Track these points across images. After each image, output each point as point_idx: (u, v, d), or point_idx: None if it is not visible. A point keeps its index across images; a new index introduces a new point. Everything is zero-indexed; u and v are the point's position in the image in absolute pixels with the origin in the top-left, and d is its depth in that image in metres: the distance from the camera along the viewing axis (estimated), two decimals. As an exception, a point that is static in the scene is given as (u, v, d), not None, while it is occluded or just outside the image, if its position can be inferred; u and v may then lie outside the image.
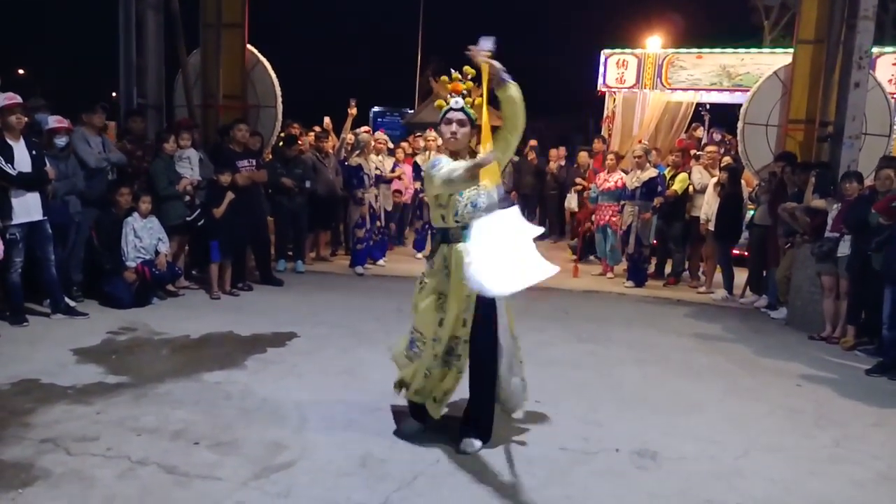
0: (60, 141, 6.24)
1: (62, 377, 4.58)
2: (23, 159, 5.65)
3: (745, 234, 8.29)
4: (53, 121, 6.30)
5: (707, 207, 8.16)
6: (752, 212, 8.12)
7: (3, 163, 5.53)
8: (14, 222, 5.63)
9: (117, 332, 5.69)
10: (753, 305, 7.80)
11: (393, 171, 9.49)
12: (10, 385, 4.40)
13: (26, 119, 5.82)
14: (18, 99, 5.75)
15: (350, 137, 8.98)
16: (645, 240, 8.45)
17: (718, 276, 8.31)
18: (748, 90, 9.14)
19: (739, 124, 8.40)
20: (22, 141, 5.70)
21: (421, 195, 9.56)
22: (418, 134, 11.78)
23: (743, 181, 8.28)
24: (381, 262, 9.08)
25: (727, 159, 8.63)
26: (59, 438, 3.65)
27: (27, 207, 5.70)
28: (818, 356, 5.99)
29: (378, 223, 8.91)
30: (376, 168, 8.86)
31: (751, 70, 11.09)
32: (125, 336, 5.62)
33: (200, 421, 3.97)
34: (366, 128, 9.76)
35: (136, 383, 4.54)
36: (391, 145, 10.03)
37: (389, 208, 9.45)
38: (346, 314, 6.63)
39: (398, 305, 6.84)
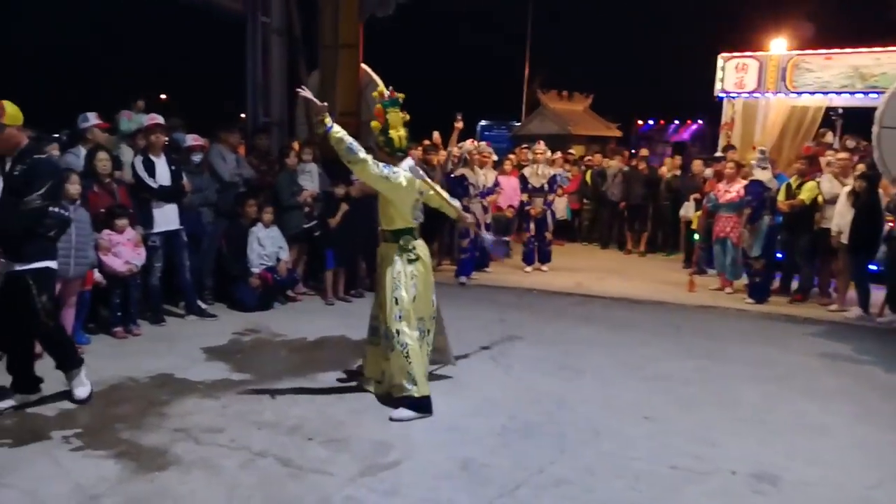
0: (196, 157, 6.76)
1: (194, 373, 4.97)
2: (163, 174, 6.15)
3: (882, 248, 7.65)
4: (190, 139, 6.85)
5: (839, 218, 7.61)
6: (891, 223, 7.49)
7: (147, 177, 6.06)
8: (155, 231, 6.14)
9: (242, 333, 6.07)
10: (893, 325, 7.18)
11: (495, 186, 9.42)
12: (149, 378, 4.82)
13: (166, 138, 6.34)
14: (159, 119, 6.31)
15: (457, 151, 9.13)
16: (749, 252, 7.96)
17: (852, 293, 7.72)
18: (884, 92, 8.47)
19: (874, 128, 7.77)
20: (163, 157, 6.21)
21: (526, 207, 9.55)
22: (525, 146, 11.78)
23: (880, 190, 7.66)
24: (487, 269, 9.19)
25: (861, 167, 8.01)
26: (189, 428, 3.97)
27: (166, 217, 6.20)
28: (967, 381, 5.42)
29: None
30: (484, 182, 8.97)
31: (888, 70, 10.23)
32: (249, 337, 5.99)
33: (315, 418, 4.18)
34: (471, 140, 9.87)
35: (257, 380, 4.85)
36: (495, 158, 10.07)
37: (489, 221, 9.46)
38: (450, 322, 6.63)
39: (501, 315, 6.88)
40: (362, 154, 4.28)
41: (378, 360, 4.57)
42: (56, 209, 4.19)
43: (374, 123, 4.56)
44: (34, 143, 4.25)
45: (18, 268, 4.05)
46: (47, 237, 4.18)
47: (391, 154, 4.52)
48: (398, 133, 4.52)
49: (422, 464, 3.63)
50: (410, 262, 4.50)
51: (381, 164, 4.37)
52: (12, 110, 4.01)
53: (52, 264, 4.25)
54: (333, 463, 3.60)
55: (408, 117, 4.60)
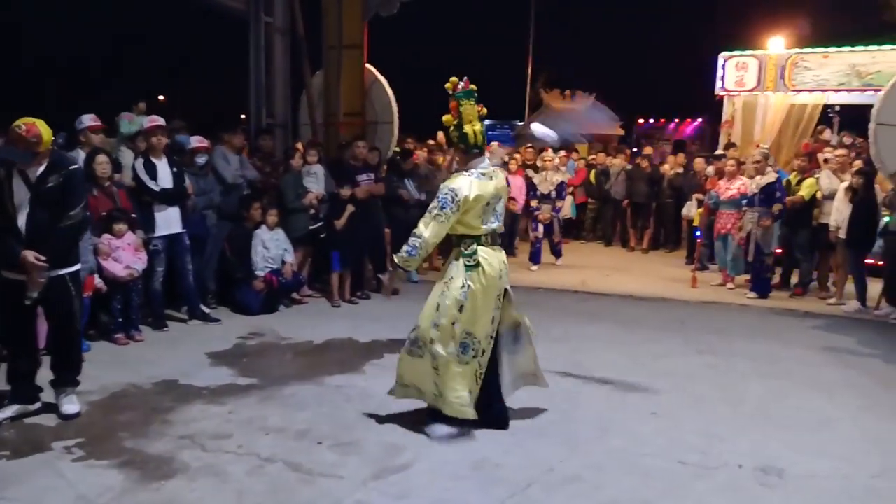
0: (200, 159, 6.72)
1: (198, 378, 4.93)
2: (165, 176, 6.09)
3: (878, 242, 7.69)
4: (195, 140, 6.81)
5: (837, 214, 7.66)
6: (887, 218, 7.53)
7: (148, 179, 6.01)
8: (156, 234, 6.09)
9: (247, 337, 6.05)
10: (890, 318, 7.22)
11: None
12: (152, 385, 4.77)
13: (167, 140, 6.28)
14: (160, 121, 6.24)
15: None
16: (766, 248, 8.03)
17: (850, 286, 7.76)
18: (880, 89, 8.51)
19: (871, 125, 7.82)
20: (164, 159, 6.15)
21: (535, 213, 9.59)
22: (529, 145, 11.82)
23: (877, 185, 7.71)
24: None
25: (858, 163, 8.05)
26: (195, 435, 3.94)
27: (168, 221, 6.14)
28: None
29: None
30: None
31: (883, 68, 10.28)
32: (254, 341, 5.98)
33: (323, 422, 4.17)
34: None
35: (264, 385, 4.83)
36: (506, 158, 10.10)
37: None
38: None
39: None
40: (419, 247, 3.97)
41: (411, 369, 4.16)
42: None
43: (446, 118, 4.14)
44: (58, 151, 4.25)
45: (58, 272, 4.06)
46: (76, 240, 4.25)
47: (467, 151, 4.10)
48: (473, 128, 4.06)
49: (433, 465, 3.63)
50: (468, 268, 3.99)
51: (432, 210, 3.95)
52: (47, 135, 3.94)
53: (80, 265, 4.32)
54: (343, 467, 3.59)
55: (484, 110, 4.16)
